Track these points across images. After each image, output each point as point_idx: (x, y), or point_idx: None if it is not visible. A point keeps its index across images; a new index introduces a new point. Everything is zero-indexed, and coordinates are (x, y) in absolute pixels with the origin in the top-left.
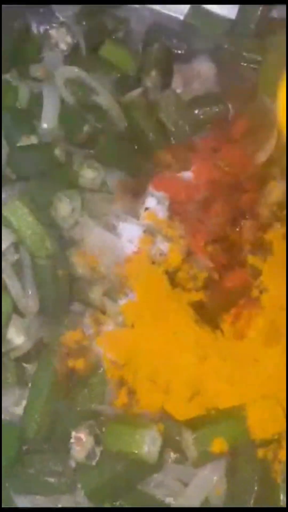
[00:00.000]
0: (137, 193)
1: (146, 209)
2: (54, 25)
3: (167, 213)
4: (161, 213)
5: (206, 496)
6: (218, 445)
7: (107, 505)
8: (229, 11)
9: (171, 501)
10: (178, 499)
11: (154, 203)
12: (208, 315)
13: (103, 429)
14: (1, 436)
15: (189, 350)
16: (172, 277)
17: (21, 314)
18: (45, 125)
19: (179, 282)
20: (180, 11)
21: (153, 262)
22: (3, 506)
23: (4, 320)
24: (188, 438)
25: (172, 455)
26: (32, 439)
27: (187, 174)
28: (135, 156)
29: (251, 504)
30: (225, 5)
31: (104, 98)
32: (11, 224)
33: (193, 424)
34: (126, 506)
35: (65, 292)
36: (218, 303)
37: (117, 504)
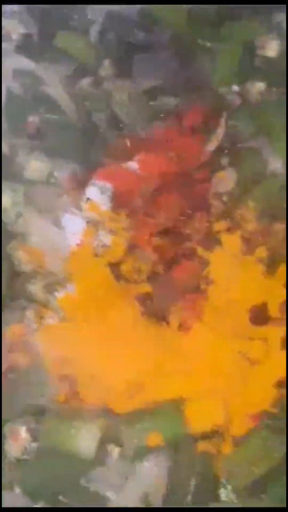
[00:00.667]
0: (82, 183)
1: (88, 199)
2: (6, 15)
3: (111, 205)
4: (104, 204)
5: (147, 492)
6: (154, 439)
7: (45, 501)
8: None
9: (112, 496)
10: (119, 494)
11: (97, 194)
12: (154, 307)
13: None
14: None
15: (132, 344)
16: (116, 270)
17: None
18: None
19: (123, 274)
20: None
21: (96, 255)
22: None
23: None
24: (126, 432)
25: (115, 449)
26: None
27: (133, 165)
28: (86, 148)
29: (188, 499)
30: None
31: (53, 88)
32: None
33: (132, 418)
34: (67, 501)
35: (7, 286)
36: (164, 296)
37: (58, 499)
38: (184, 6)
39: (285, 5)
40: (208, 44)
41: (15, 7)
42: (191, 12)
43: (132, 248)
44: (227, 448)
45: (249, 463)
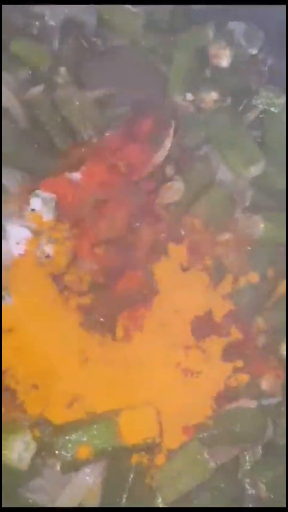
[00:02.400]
0: (25, 193)
1: (32, 210)
2: None
3: (54, 215)
4: (47, 214)
5: (81, 501)
6: (85, 451)
7: None
8: (139, 7)
9: (48, 505)
10: (56, 503)
11: (40, 205)
12: (97, 319)
13: None
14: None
15: (72, 355)
16: (60, 280)
17: None
18: None
19: (66, 285)
20: (95, 7)
21: (39, 265)
22: None
23: None
24: (59, 443)
25: (52, 460)
26: None
27: (76, 175)
28: (36, 156)
29: (121, 507)
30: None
31: (5, 96)
32: None
33: (67, 429)
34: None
35: None
36: (108, 306)
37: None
38: (142, 13)
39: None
40: (162, 52)
41: None
42: (148, 20)
43: (74, 258)
44: (160, 460)
45: (180, 475)
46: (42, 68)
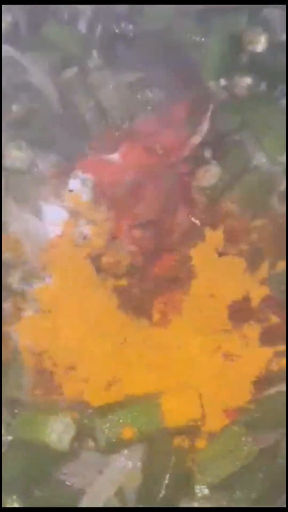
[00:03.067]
0: (63, 174)
1: (70, 191)
2: None
3: (92, 196)
4: (85, 195)
5: (121, 485)
6: (128, 432)
7: (19, 494)
8: None
9: (86, 489)
10: (93, 487)
11: (78, 185)
12: (134, 301)
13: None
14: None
15: (110, 337)
16: (97, 262)
17: None
18: None
19: (103, 266)
20: None
21: (76, 246)
22: None
23: None
24: (100, 425)
25: (90, 442)
26: None
27: (114, 157)
28: (70, 138)
29: (162, 493)
30: None
31: (37, 77)
32: None
33: (107, 411)
34: (42, 495)
35: None
36: (145, 289)
37: (33, 492)
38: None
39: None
40: (196, 38)
41: None
42: (179, 6)
43: (112, 240)
44: (201, 443)
45: (222, 458)
46: (73, 52)
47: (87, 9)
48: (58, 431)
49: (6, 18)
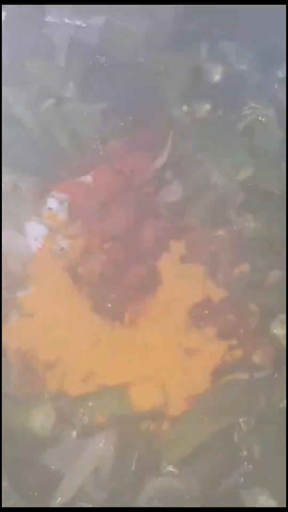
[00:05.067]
0: (42, 195)
1: (49, 209)
2: None
3: (68, 213)
4: (62, 213)
5: (96, 465)
6: (102, 418)
7: (8, 477)
8: (139, 28)
9: (65, 471)
10: (71, 469)
11: (56, 204)
12: (107, 306)
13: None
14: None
15: (85, 337)
16: (73, 271)
17: None
18: None
19: (79, 276)
20: (98, 27)
21: (57, 258)
22: None
23: None
24: (77, 411)
25: (70, 430)
26: None
27: (87, 178)
28: (47, 162)
29: (132, 469)
30: (136, 20)
31: (18, 108)
32: None
33: (83, 400)
34: (28, 479)
35: None
36: (116, 295)
37: (20, 476)
38: (142, 33)
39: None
40: (161, 68)
41: None
42: (147, 38)
43: (86, 252)
44: (165, 426)
45: (183, 439)
46: (52, 84)
47: (64, 43)
48: (40, 419)
49: None
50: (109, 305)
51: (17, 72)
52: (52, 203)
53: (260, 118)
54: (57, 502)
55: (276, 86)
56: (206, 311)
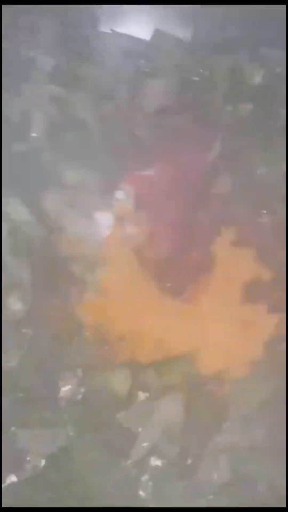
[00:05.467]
0: (110, 188)
1: (117, 200)
2: (39, 50)
3: (134, 203)
4: (129, 203)
5: (168, 424)
6: (172, 381)
7: (90, 433)
8: (185, 35)
9: (139, 430)
10: (145, 428)
11: (123, 196)
12: (170, 284)
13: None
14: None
15: (152, 312)
16: (140, 255)
17: (18, 287)
18: (34, 134)
19: (145, 258)
20: (147, 35)
21: (124, 243)
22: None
23: (6, 290)
24: (150, 376)
25: (141, 394)
26: (27, 388)
27: (150, 172)
28: (109, 158)
29: (199, 428)
30: (183, 29)
31: (82, 111)
32: (9, 215)
33: (153, 366)
34: (106, 436)
35: (52, 268)
36: (178, 275)
37: (99, 434)
38: (186, 39)
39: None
40: (207, 72)
41: (46, 43)
42: (192, 45)
43: (151, 237)
44: (227, 388)
45: (245, 398)
46: (106, 88)
47: (115, 50)
48: (119, 382)
49: (50, 62)
50: (169, 284)
51: (75, 77)
52: (120, 194)
53: None
54: (134, 458)
55: None
56: (258, 289)
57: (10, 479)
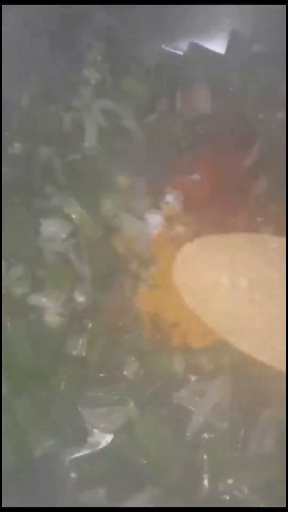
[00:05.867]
0: (158, 191)
1: (167, 203)
2: (85, 66)
3: (182, 205)
4: (177, 205)
5: (218, 402)
6: (221, 363)
7: (150, 411)
8: (219, 47)
9: (192, 408)
10: (198, 406)
11: (172, 198)
12: None
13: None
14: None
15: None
16: None
17: (81, 281)
18: (87, 144)
19: None
20: (180, 49)
21: (173, 241)
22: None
23: (71, 284)
24: (201, 359)
25: (192, 376)
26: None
27: (196, 176)
28: (154, 164)
29: (245, 404)
30: (216, 42)
31: (128, 121)
32: (71, 218)
33: (204, 350)
34: (162, 413)
35: (110, 265)
36: None
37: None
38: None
39: (285, 5)
40: (240, 83)
41: (91, 59)
42: (226, 58)
43: (198, 236)
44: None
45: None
46: (146, 99)
47: (152, 64)
48: (176, 364)
49: (96, 76)
50: None
51: (119, 88)
52: (169, 197)
53: None
54: (189, 434)
55: None
56: None
57: (78, 453)
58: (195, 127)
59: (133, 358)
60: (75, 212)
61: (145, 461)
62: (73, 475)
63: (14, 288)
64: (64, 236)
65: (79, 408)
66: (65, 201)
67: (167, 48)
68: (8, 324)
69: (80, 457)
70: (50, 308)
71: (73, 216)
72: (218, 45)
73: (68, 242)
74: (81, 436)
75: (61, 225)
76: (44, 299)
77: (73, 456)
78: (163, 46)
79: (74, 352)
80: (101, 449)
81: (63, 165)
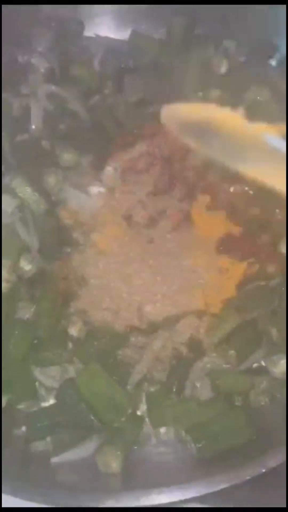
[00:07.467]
0: (101, 166)
1: (107, 176)
2: (34, 54)
3: (121, 176)
4: (116, 176)
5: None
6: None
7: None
8: (160, 34)
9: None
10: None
11: (112, 171)
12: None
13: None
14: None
15: (139, 265)
16: (128, 219)
17: (28, 250)
18: (33, 126)
19: (133, 221)
20: (125, 36)
21: (114, 210)
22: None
23: (18, 254)
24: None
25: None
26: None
27: (133, 152)
28: (99, 143)
29: (184, 353)
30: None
31: (73, 104)
32: (16, 193)
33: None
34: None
35: (56, 235)
36: (162, 234)
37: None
38: (161, 37)
39: (285, 5)
40: (179, 65)
41: (40, 48)
42: (165, 42)
43: (137, 203)
44: (207, 319)
45: (220, 323)
46: (93, 84)
47: (99, 51)
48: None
49: (44, 65)
50: (153, 240)
51: (66, 75)
52: (109, 170)
53: (258, 98)
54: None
55: (269, 73)
56: (229, 243)
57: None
58: (138, 108)
59: (78, 319)
60: (21, 188)
61: (91, 415)
62: (23, 428)
63: None
64: (10, 210)
65: (32, 367)
66: (12, 179)
67: (112, 36)
68: None
69: (31, 412)
70: None
71: (19, 191)
72: (159, 33)
73: (16, 215)
74: (31, 392)
75: (7, 201)
76: None
77: (24, 412)
78: (108, 34)
79: (24, 317)
80: (51, 404)
81: (12, 146)
